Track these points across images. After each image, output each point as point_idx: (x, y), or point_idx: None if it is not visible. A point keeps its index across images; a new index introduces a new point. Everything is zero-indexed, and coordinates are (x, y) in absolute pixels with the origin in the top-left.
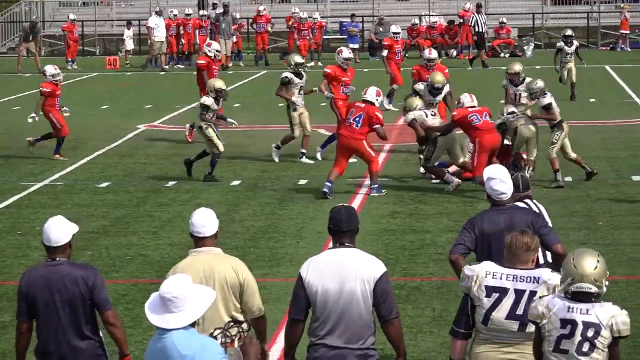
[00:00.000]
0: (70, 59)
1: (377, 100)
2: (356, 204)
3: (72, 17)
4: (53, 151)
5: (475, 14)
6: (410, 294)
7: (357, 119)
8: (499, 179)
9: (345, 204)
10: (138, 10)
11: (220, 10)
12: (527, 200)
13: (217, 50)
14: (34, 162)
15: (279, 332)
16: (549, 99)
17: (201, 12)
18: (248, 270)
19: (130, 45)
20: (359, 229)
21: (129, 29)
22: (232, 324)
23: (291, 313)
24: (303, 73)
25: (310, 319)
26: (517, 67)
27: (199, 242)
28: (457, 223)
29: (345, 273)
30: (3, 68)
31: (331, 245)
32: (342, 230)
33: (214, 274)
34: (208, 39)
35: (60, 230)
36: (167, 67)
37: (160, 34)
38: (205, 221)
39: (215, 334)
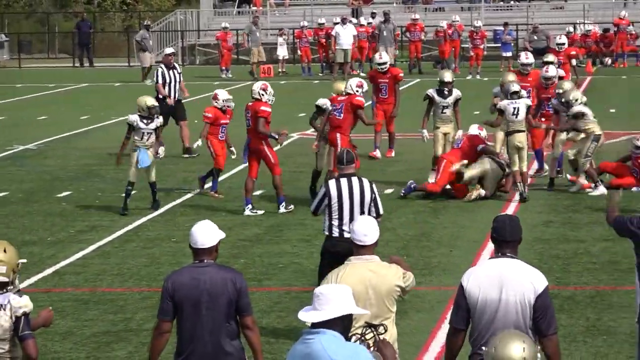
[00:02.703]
0: (224, 68)
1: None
2: (509, 212)
3: (224, 25)
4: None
5: None
6: (563, 303)
7: None
8: None
9: (509, 214)
10: (291, 19)
11: (380, 18)
12: (355, 178)
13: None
14: (187, 169)
15: (431, 341)
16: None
17: (364, 21)
18: (403, 274)
19: (283, 52)
20: (521, 239)
21: (281, 37)
22: (367, 329)
23: (452, 322)
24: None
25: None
26: (511, 77)
27: (360, 249)
28: (611, 232)
29: (505, 283)
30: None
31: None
32: (506, 239)
33: (380, 282)
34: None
35: (207, 232)
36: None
37: (342, 41)
38: (367, 230)
39: (352, 340)
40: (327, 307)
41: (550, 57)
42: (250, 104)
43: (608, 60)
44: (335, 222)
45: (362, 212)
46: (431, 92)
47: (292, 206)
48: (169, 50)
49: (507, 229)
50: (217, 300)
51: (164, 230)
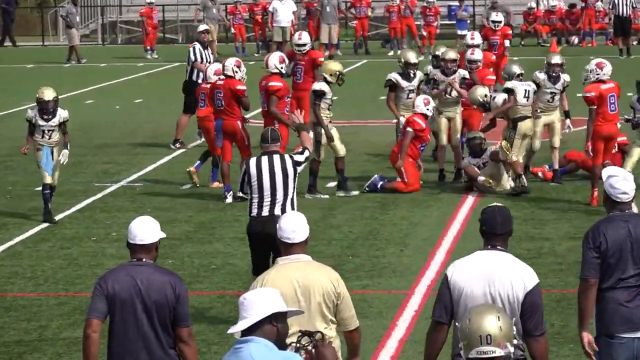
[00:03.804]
0: (148, 47)
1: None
2: (467, 206)
3: (149, 0)
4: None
5: None
6: None
7: None
8: (621, 176)
9: (498, 204)
10: None
11: None
12: (277, 155)
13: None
14: (110, 160)
15: (380, 350)
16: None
17: None
18: (341, 279)
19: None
20: (512, 230)
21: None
22: (304, 336)
23: (435, 315)
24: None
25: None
26: (453, 54)
27: (288, 248)
28: (578, 229)
29: (494, 277)
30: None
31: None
32: (496, 232)
33: (311, 284)
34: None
35: (147, 228)
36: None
37: (280, 18)
38: (295, 225)
39: (287, 349)
40: (252, 312)
41: (477, 39)
42: (220, 82)
43: (575, 39)
44: (255, 201)
45: (285, 190)
46: (395, 76)
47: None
48: (203, 27)
49: (497, 221)
50: (153, 303)
51: (83, 229)
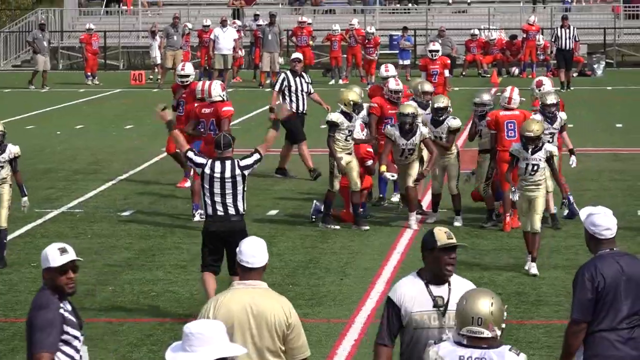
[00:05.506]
0: (89, 73)
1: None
2: (407, 236)
3: (89, 26)
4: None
5: (559, 27)
6: None
7: None
8: (601, 212)
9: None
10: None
11: (262, 21)
12: (228, 161)
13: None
14: (51, 186)
15: None
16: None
17: (251, 24)
18: (294, 310)
19: (155, 55)
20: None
21: (153, 39)
22: None
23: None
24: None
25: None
26: (428, 87)
27: (246, 273)
28: (517, 259)
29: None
30: (14, 82)
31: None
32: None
33: (264, 312)
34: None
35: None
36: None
37: (221, 46)
38: (255, 251)
39: None
40: (199, 349)
41: (392, 71)
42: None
43: (515, 70)
44: (209, 202)
45: (234, 191)
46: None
47: None
48: (295, 55)
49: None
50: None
51: (23, 254)
